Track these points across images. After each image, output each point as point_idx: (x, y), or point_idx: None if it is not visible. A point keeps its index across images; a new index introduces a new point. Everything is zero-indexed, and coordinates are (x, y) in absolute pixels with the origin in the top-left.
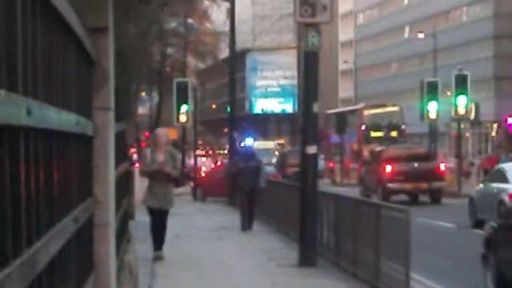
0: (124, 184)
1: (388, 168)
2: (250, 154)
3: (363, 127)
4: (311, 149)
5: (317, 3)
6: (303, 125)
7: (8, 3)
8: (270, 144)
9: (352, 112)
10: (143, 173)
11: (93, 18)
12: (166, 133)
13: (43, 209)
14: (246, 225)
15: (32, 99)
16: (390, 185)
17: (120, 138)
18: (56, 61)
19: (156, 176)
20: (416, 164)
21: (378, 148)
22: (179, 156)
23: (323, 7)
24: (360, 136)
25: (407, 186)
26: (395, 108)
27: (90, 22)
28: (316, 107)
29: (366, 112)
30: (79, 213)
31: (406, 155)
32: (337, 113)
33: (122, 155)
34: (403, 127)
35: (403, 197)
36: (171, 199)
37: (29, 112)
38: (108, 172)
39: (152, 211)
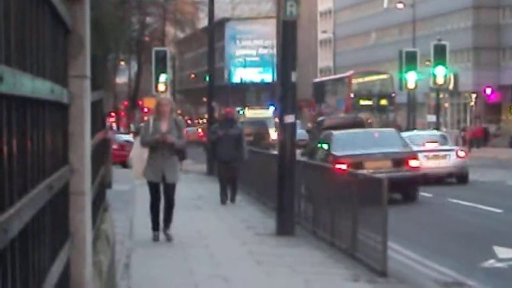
0: (101, 153)
1: None
2: (230, 120)
3: (352, 95)
4: (289, 118)
5: None
6: (281, 95)
7: None
8: (267, 112)
9: (340, 80)
10: (144, 143)
11: None
12: (171, 101)
13: (16, 176)
14: (225, 199)
15: (5, 66)
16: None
17: (97, 106)
18: (30, 28)
19: (159, 147)
20: None
21: (320, 118)
22: (184, 125)
23: None
24: (348, 105)
25: None
26: (385, 76)
27: None
28: (294, 77)
29: (355, 80)
30: (54, 180)
31: (344, 124)
32: (325, 81)
33: (99, 123)
34: (393, 95)
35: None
36: (176, 172)
37: (1, 79)
38: (84, 140)
39: (153, 186)
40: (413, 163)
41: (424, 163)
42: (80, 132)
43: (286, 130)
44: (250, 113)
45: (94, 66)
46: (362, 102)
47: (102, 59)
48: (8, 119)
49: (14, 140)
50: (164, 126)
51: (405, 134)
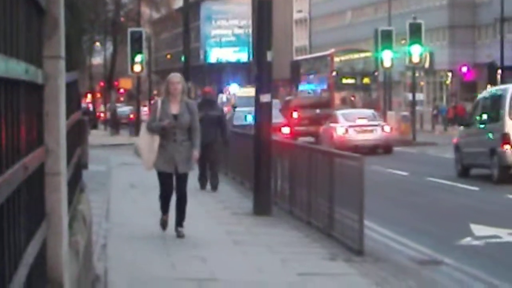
0: (77, 133)
1: (295, 114)
2: (209, 101)
3: (334, 74)
4: (265, 98)
5: None
6: (257, 74)
7: None
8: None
9: (321, 58)
10: (151, 128)
11: None
12: (182, 79)
13: None
14: (205, 183)
15: None
16: (296, 128)
17: (72, 87)
18: (3, 9)
19: (170, 132)
20: (318, 111)
21: (287, 98)
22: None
23: None
24: (331, 83)
25: (311, 129)
26: (368, 54)
27: None
28: (269, 56)
29: (337, 58)
30: (29, 161)
31: (310, 103)
32: (304, 60)
33: (74, 104)
34: (376, 73)
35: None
36: (189, 161)
37: None
38: (59, 121)
39: (165, 177)
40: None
41: (354, 136)
42: (55, 113)
43: (262, 110)
44: (242, 92)
45: (68, 46)
46: (345, 81)
47: (76, 39)
48: None
49: None
50: (174, 109)
51: (340, 112)
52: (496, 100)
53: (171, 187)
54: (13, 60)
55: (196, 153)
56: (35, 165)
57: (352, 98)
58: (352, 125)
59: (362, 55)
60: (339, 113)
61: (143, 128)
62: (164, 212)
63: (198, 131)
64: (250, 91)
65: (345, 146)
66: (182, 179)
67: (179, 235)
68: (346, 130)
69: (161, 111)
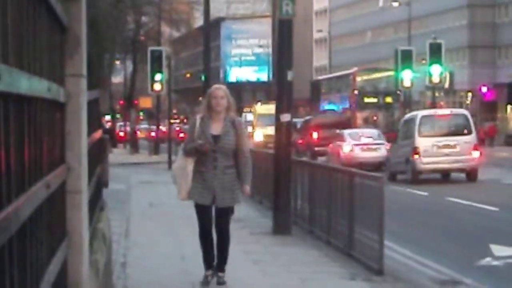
0: (98, 152)
1: (314, 134)
2: None
3: (356, 93)
4: (285, 117)
5: None
6: (277, 94)
7: None
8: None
9: (343, 76)
10: (188, 151)
11: None
12: (227, 93)
13: (13, 174)
14: None
15: (2, 64)
16: (316, 148)
17: (93, 105)
18: (27, 27)
19: (208, 156)
20: (338, 131)
21: (307, 117)
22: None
23: None
24: (353, 102)
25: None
26: (390, 73)
27: None
28: (290, 75)
29: (360, 77)
30: (51, 179)
31: (330, 123)
32: (325, 79)
33: (95, 122)
34: (399, 92)
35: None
36: (233, 192)
37: None
38: (80, 139)
39: (201, 210)
40: None
41: (360, 154)
42: (76, 131)
43: (282, 129)
44: (263, 109)
45: (90, 65)
46: (367, 100)
47: (98, 58)
48: (5, 118)
49: (12, 139)
50: (215, 128)
51: (347, 131)
52: (411, 123)
53: (210, 222)
54: (36, 78)
55: (247, 188)
56: (57, 183)
57: (375, 118)
58: (358, 143)
59: (385, 74)
60: (346, 132)
61: (180, 150)
62: (206, 266)
63: (248, 157)
64: (271, 108)
65: (351, 163)
66: (223, 214)
67: (219, 282)
68: (352, 148)
69: (200, 130)
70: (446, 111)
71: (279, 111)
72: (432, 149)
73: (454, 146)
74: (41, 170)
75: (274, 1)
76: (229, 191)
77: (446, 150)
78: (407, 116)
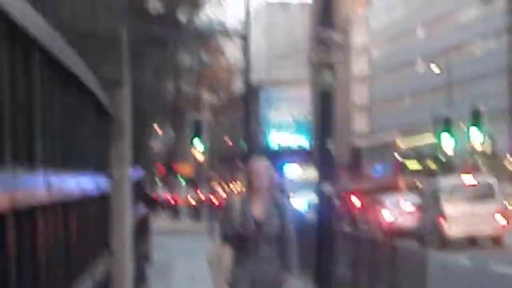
0: (141, 230)
1: (355, 201)
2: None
3: (399, 158)
4: (326, 187)
5: (332, 43)
6: (319, 163)
7: (26, 82)
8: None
9: (385, 142)
10: (226, 238)
11: (110, 71)
12: (270, 169)
13: (60, 265)
14: None
15: (51, 168)
16: (357, 215)
17: (138, 185)
18: (73, 124)
19: (248, 242)
20: (380, 197)
21: (348, 183)
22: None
23: (338, 47)
24: (396, 169)
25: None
26: (432, 138)
27: (107, 75)
28: (330, 144)
29: (401, 143)
30: (97, 266)
31: (372, 189)
32: (368, 145)
33: (140, 202)
34: (441, 158)
35: None
36: (278, 285)
37: (48, 187)
38: (124, 226)
39: None
40: None
41: (401, 221)
42: (121, 217)
43: (324, 199)
44: (300, 174)
45: (134, 145)
46: (410, 166)
47: (141, 138)
48: (54, 223)
49: (61, 235)
50: (258, 211)
51: (387, 197)
52: (438, 189)
53: None
54: (84, 178)
55: (291, 281)
56: (103, 269)
57: (418, 184)
58: (398, 210)
59: (426, 139)
60: (386, 198)
61: (216, 234)
62: None
63: (293, 244)
64: (308, 174)
65: (392, 230)
66: None
67: None
68: (393, 215)
69: (240, 213)
70: (472, 179)
71: (321, 180)
72: (459, 216)
73: (479, 213)
74: (86, 259)
75: (314, 72)
76: (272, 283)
77: (472, 217)
78: (435, 182)
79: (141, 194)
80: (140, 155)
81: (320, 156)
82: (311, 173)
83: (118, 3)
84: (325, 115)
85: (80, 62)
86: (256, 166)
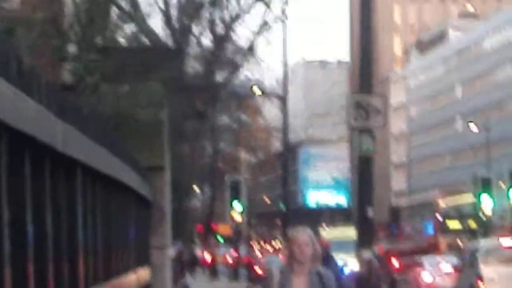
0: None
1: (394, 262)
2: (325, 258)
3: (439, 218)
4: (366, 254)
5: (371, 107)
6: (358, 231)
7: (68, 201)
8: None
9: (425, 201)
10: None
11: (150, 157)
12: (313, 238)
13: None
14: None
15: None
16: (396, 276)
17: (178, 258)
18: (115, 223)
19: None
20: (417, 258)
21: (386, 244)
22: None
23: (377, 111)
24: (436, 228)
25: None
26: (472, 197)
27: (146, 161)
28: (371, 212)
29: (442, 201)
30: None
31: (411, 249)
32: (408, 204)
33: (179, 276)
34: (483, 217)
35: None
36: None
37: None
38: None
39: None
40: None
41: (440, 282)
42: None
43: (364, 265)
44: (332, 234)
45: (174, 218)
46: (451, 225)
47: (181, 212)
48: None
49: None
50: (300, 285)
51: (425, 258)
52: (476, 251)
53: None
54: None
55: None
56: None
57: (460, 243)
58: (437, 271)
59: (468, 199)
60: (425, 259)
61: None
62: None
63: None
64: (344, 232)
65: None
66: None
67: None
68: (432, 277)
69: (280, 285)
70: (510, 241)
71: (361, 247)
72: (496, 278)
73: None
74: None
75: (353, 135)
76: None
77: (510, 280)
78: (473, 244)
79: (180, 267)
80: (179, 229)
81: (359, 224)
82: (349, 231)
83: (159, 92)
84: (365, 180)
85: (122, 165)
86: (296, 235)
